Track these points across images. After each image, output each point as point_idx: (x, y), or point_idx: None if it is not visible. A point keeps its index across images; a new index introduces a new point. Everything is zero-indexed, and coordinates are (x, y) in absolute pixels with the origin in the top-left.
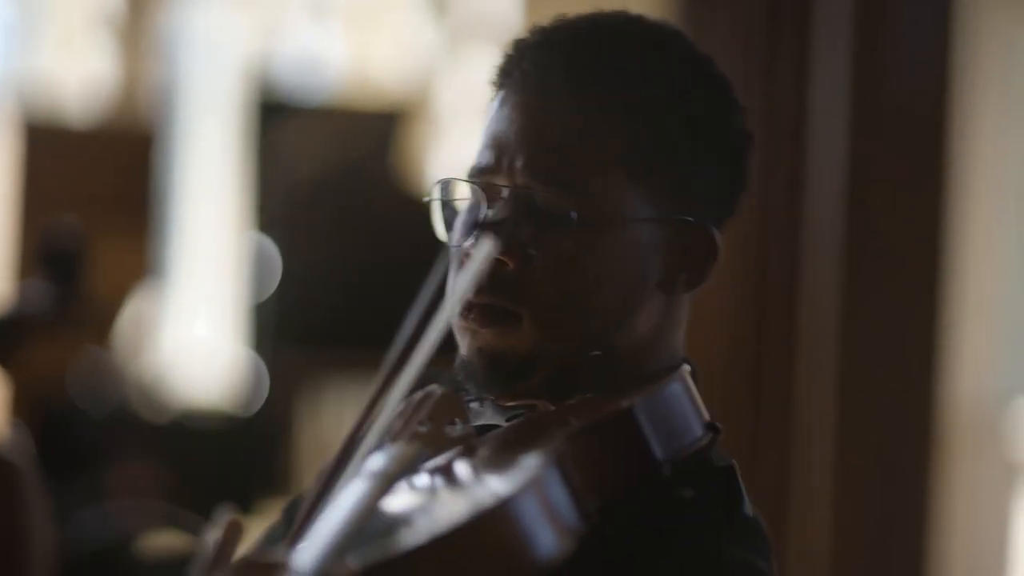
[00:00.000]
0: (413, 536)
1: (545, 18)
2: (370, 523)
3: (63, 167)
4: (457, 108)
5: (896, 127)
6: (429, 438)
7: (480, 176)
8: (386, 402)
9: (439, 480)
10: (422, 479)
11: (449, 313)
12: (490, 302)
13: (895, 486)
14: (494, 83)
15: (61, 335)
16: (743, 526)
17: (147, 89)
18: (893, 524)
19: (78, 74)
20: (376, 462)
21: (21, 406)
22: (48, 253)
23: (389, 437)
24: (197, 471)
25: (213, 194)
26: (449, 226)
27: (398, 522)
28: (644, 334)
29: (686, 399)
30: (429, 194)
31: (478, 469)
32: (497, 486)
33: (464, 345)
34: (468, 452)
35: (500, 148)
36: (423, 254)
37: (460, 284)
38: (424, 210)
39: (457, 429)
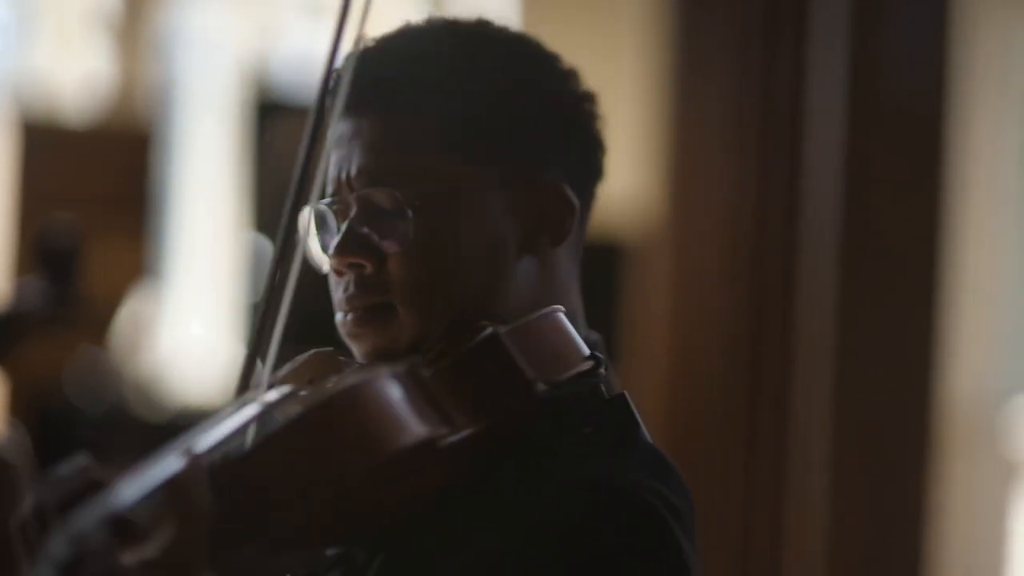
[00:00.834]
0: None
1: (542, 16)
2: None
3: (60, 166)
4: None
5: (894, 126)
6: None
7: (332, 197)
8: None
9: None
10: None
11: (339, 327)
12: (361, 304)
13: (892, 485)
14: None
15: (58, 334)
16: (642, 453)
17: (144, 88)
18: (890, 523)
19: (75, 73)
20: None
21: (18, 405)
22: (45, 252)
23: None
24: None
25: (210, 193)
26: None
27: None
28: (524, 297)
29: (561, 332)
30: (302, 230)
31: None
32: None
33: (357, 354)
34: None
35: (338, 166)
36: None
37: (335, 294)
38: None
39: (302, 394)
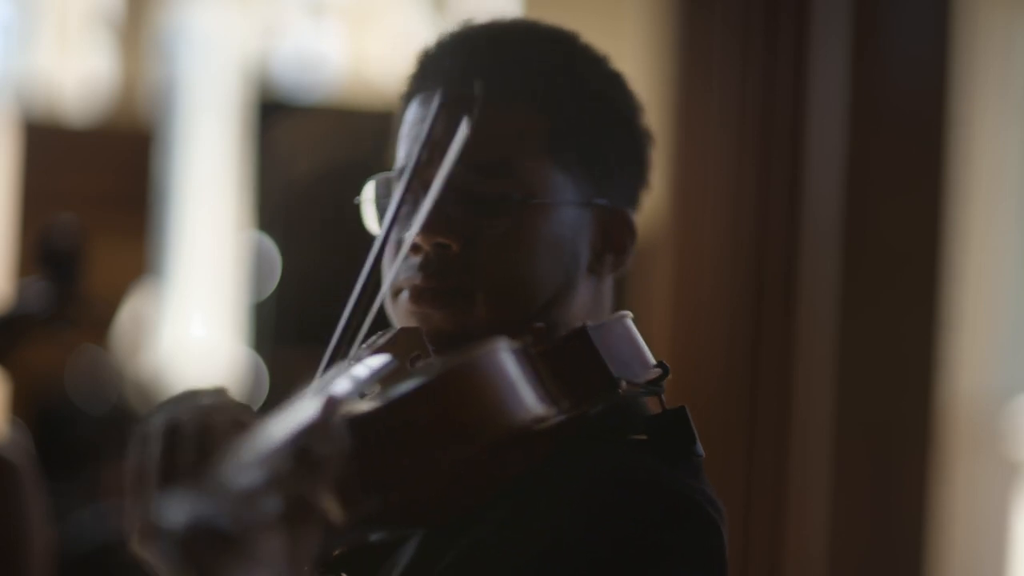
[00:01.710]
0: (396, 390)
1: (543, 15)
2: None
3: (62, 166)
4: None
5: (895, 127)
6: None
7: (412, 172)
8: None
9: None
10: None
11: (384, 299)
12: (439, 285)
13: (894, 485)
14: (409, 90)
15: (59, 334)
16: (697, 464)
17: (146, 88)
18: (892, 523)
19: (77, 73)
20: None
21: (19, 405)
22: (46, 252)
23: (354, 361)
24: None
25: (212, 193)
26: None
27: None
28: (576, 315)
29: (632, 337)
30: (362, 195)
31: None
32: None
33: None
34: None
35: (430, 144)
36: None
37: (403, 269)
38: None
39: (419, 362)
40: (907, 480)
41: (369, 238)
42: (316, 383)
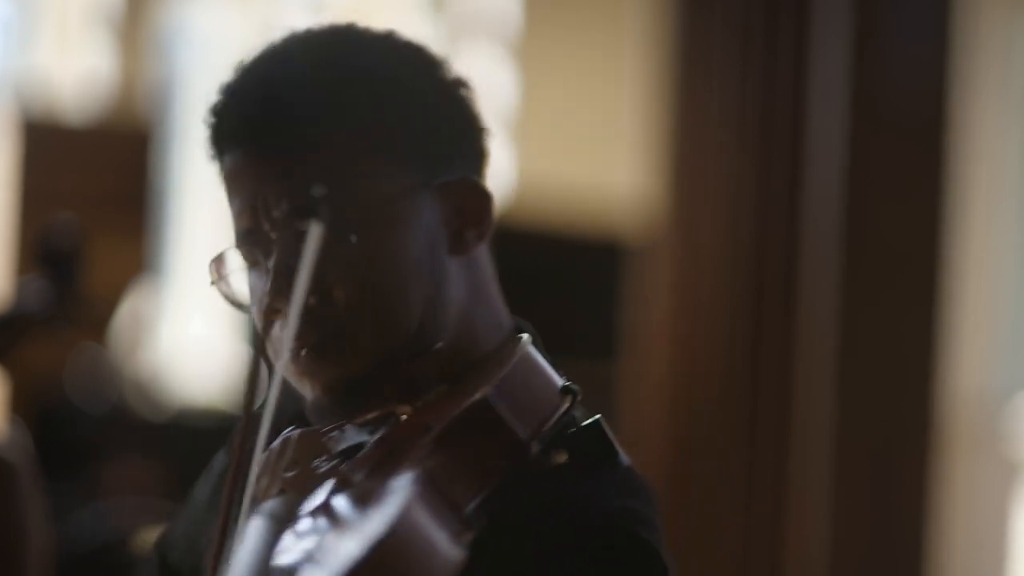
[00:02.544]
0: None
1: (545, 14)
2: None
3: (61, 165)
4: None
5: (896, 125)
6: (298, 482)
7: (249, 237)
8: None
9: (321, 522)
10: (304, 524)
11: (282, 368)
12: (312, 340)
13: (894, 484)
14: (211, 152)
15: (59, 333)
16: (622, 476)
17: (145, 87)
18: (892, 522)
19: (76, 71)
20: (255, 525)
21: (19, 404)
22: (46, 251)
23: (260, 493)
24: (195, 469)
25: (211, 192)
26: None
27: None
28: (462, 301)
29: (536, 371)
30: (211, 279)
31: (356, 501)
32: (379, 516)
33: (308, 389)
34: (342, 484)
35: (251, 199)
36: None
37: (285, 334)
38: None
39: (323, 465)
40: (907, 480)
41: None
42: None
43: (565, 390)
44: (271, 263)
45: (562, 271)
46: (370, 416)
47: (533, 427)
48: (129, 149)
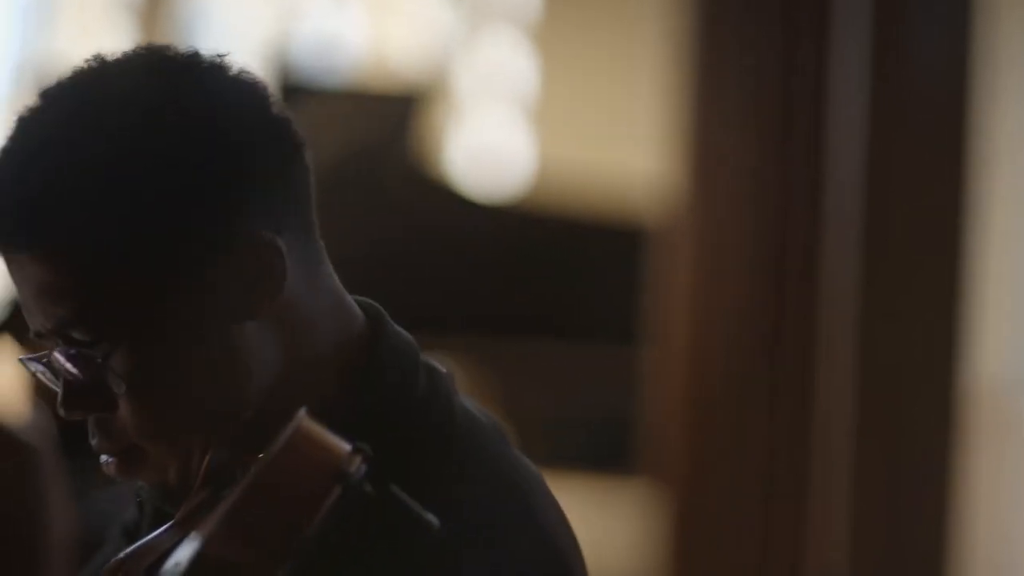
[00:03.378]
0: None
1: (564, 6)
2: None
3: None
4: (476, 91)
5: (917, 109)
6: None
7: (39, 340)
8: None
9: None
10: None
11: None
12: (111, 450)
13: (915, 470)
14: None
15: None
16: (439, 539)
17: None
18: (913, 508)
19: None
20: None
21: (40, 386)
22: None
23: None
24: None
25: None
26: None
27: None
28: (278, 356)
29: (290, 474)
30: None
31: None
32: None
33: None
34: None
35: (28, 314)
36: (442, 236)
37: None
38: (442, 191)
39: None
40: (929, 466)
41: (385, 222)
42: None
43: (338, 476)
44: (57, 371)
45: (582, 256)
46: (186, 512)
47: (279, 550)
48: None
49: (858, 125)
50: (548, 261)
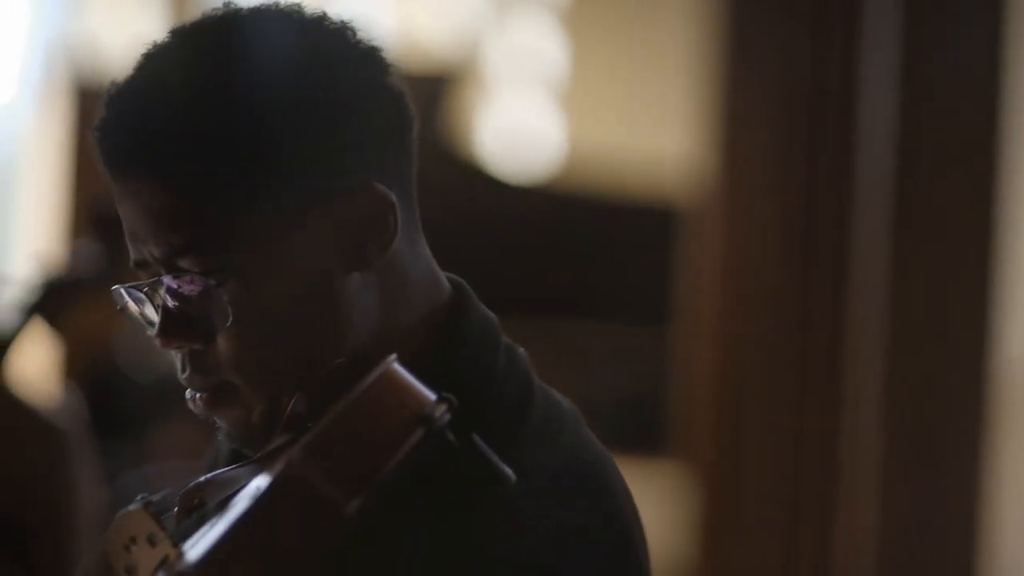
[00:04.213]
0: None
1: None
2: None
3: None
4: (505, 70)
5: (948, 90)
6: (137, 558)
7: (139, 270)
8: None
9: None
10: None
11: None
12: (203, 386)
13: (946, 451)
14: (101, 160)
15: (111, 298)
16: (511, 505)
17: None
18: (944, 489)
19: (126, 37)
20: None
21: (71, 369)
22: (97, 216)
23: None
24: None
25: None
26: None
27: None
28: (375, 311)
29: (373, 413)
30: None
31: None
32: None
33: (218, 423)
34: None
35: (136, 242)
36: (472, 217)
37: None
38: (472, 173)
39: (160, 540)
40: (959, 446)
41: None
42: None
43: (422, 419)
44: (159, 300)
45: (612, 238)
46: (265, 452)
47: (356, 483)
48: None
49: (889, 104)
50: (578, 242)
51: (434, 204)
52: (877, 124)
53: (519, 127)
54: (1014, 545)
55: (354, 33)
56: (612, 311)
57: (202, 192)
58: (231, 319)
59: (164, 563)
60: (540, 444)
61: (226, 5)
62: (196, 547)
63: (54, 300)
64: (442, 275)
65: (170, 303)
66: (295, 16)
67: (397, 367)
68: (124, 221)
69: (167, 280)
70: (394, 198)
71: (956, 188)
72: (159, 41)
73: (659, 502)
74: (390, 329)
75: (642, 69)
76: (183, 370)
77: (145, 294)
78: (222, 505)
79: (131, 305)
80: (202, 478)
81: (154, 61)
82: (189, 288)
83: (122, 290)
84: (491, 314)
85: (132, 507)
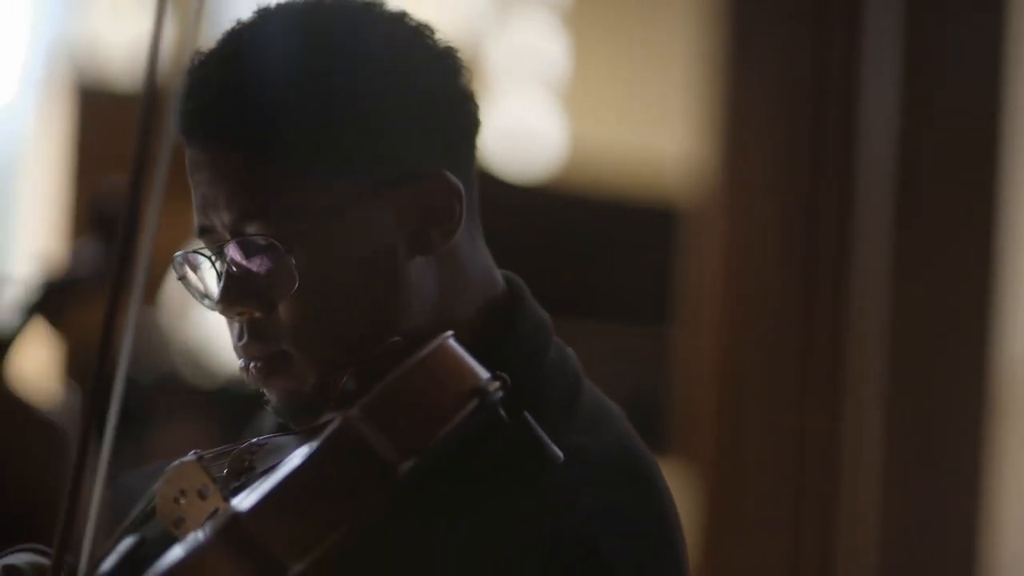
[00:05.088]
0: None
1: None
2: None
3: (113, 130)
4: (507, 70)
5: (950, 87)
6: (186, 510)
7: (203, 237)
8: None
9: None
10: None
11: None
12: (260, 354)
13: (947, 449)
14: (178, 136)
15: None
16: (559, 481)
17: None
18: (945, 487)
19: (128, 36)
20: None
21: (72, 368)
22: (98, 215)
23: (146, 518)
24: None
25: None
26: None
27: None
28: (428, 297)
29: (431, 381)
30: (177, 274)
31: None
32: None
33: (268, 395)
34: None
35: (206, 208)
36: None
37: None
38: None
39: (210, 494)
40: (961, 444)
41: None
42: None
43: (477, 392)
44: (222, 267)
45: (613, 237)
46: (315, 426)
47: (412, 442)
48: None
49: (890, 104)
50: (578, 242)
51: None
52: (878, 124)
53: (520, 127)
54: (1015, 543)
55: (431, 32)
56: (612, 311)
57: (282, 159)
58: (297, 286)
59: (214, 516)
60: (586, 432)
61: None
62: (248, 499)
63: (54, 300)
64: (498, 273)
65: (236, 267)
66: (377, 9)
67: (454, 343)
68: (196, 188)
69: (235, 244)
70: (462, 189)
71: (957, 187)
72: (245, 19)
73: None
74: (445, 317)
75: (643, 69)
76: (240, 338)
77: (209, 259)
78: (269, 471)
79: (190, 274)
80: (254, 439)
81: (240, 34)
82: (258, 252)
83: (182, 257)
84: (544, 313)
85: (185, 459)
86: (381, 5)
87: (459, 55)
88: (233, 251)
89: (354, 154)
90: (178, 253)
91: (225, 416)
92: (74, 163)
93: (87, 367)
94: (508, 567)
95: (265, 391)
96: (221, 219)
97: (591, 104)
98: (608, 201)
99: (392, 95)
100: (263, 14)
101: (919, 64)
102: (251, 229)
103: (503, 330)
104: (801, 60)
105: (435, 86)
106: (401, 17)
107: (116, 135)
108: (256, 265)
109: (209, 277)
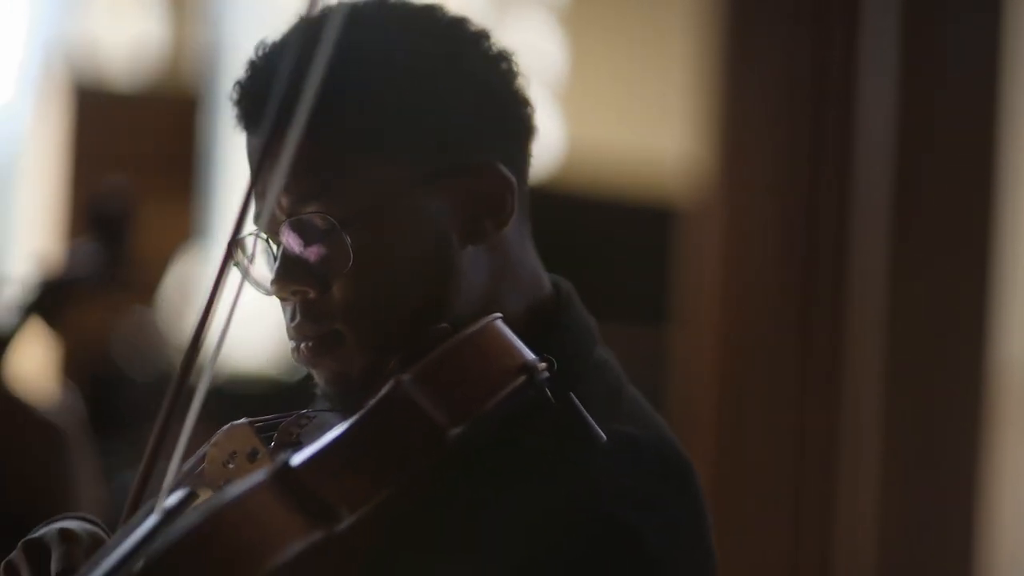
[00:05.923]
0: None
1: None
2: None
3: (110, 130)
4: None
5: (948, 87)
6: (235, 474)
7: (259, 222)
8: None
9: None
10: None
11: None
12: (312, 334)
13: (945, 451)
14: (235, 125)
15: (108, 296)
16: (603, 464)
17: (194, 52)
18: (942, 489)
19: (126, 37)
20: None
21: (70, 368)
22: (95, 215)
23: (194, 480)
24: None
25: None
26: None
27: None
28: (478, 287)
29: (481, 355)
30: (232, 260)
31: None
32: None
33: (317, 377)
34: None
35: (266, 192)
36: None
37: (287, 323)
38: None
39: (260, 457)
40: (958, 446)
41: None
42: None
43: (525, 368)
44: (278, 250)
45: (612, 237)
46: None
47: (461, 411)
48: (178, 114)
49: (889, 104)
50: (577, 242)
51: None
52: (877, 124)
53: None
54: (1013, 543)
55: (489, 36)
56: (611, 311)
57: (343, 141)
58: (353, 264)
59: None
60: (630, 424)
61: None
62: (300, 453)
63: (53, 300)
64: (546, 276)
65: (292, 247)
66: (437, 10)
67: (503, 324)
68: (255, 174)
69: (291, 223)
70: (515, 182)
71: (956, 188)
72: (311, 14)
73: None
74: (492, 310)
75: (642, 69)
76: (292, 319)
77: (270, 232)
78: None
79: (243, 260)
80: (304, 411)
81: (303, 27)
82: (314, 231)
83: (236, 240)
84: (591, 318)
85: (235, 423)
86: (441, 7)
87: (517, 60)
88: (290, 230)
89: (410, 141)
90: (233, 238)
91: (225, 416)
92: (71, 163)
93: (84, 366)
94: (552, 542)
95: (314, 373)
96: (279, 203)
97: (589, 104)
98: (607, 201)
99: (450, 87)
100: (327, 11)
101: (918, 64)
102: (311, 208)
103: (548, 329)
104: (800, 60)
105: (492, 83)
106: (462, 20)
107: (113, 135)
108: (313, 243)
109: (263, 261)
